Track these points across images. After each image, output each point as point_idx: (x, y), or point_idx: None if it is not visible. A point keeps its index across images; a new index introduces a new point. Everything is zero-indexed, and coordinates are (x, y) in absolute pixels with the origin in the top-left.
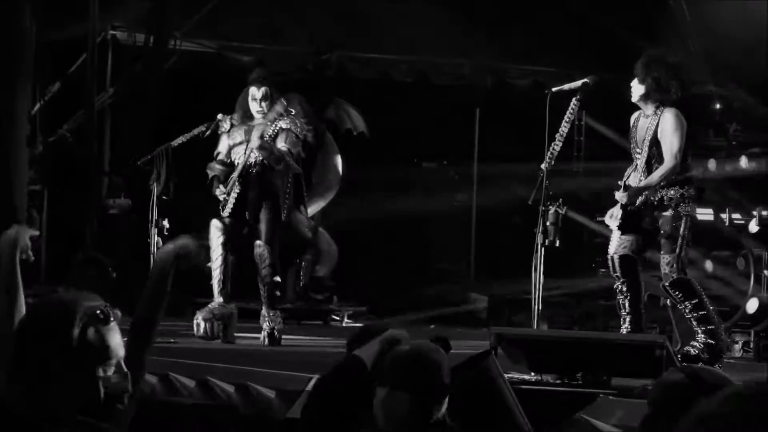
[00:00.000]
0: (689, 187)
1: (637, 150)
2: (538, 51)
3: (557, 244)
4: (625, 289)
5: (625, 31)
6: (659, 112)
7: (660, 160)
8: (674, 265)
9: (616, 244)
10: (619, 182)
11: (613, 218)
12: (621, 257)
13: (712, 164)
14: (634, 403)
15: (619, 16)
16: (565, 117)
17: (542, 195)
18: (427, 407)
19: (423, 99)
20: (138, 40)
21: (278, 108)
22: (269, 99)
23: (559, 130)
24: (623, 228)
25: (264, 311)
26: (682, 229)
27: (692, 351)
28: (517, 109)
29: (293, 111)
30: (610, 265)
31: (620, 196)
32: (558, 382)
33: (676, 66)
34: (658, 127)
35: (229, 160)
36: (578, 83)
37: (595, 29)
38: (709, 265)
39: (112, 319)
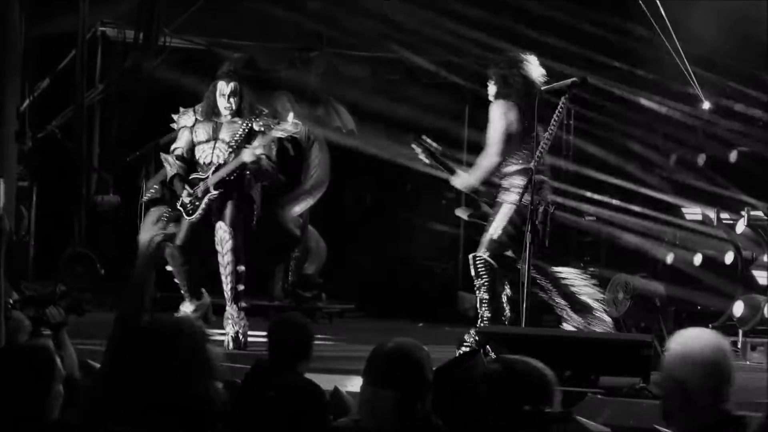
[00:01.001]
0: (517, 177)
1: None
2: (527, 49)
3: (546, 244)
4: (477, 289)
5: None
6: (493, 97)
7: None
8: (485, 245)
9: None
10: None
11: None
12: (474, 258)
13: (701, 159)
14: (621, 401)
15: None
16: (554, 116)
17: (531, 194)
18: (412, 404)
19: (411, 96)
20: (128, 36)
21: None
22: (238, 95)
23: (548, 129)
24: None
25: (228, 311)
26: (503, 214)
27: (468, 339)
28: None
29: (265, 110)
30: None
31: (455, 181)
32: None
33: (520, 63)
34: (490, 117)
35: (188, 157)
36: (567, 82)
37: (584, 26)
38: (698, 259)
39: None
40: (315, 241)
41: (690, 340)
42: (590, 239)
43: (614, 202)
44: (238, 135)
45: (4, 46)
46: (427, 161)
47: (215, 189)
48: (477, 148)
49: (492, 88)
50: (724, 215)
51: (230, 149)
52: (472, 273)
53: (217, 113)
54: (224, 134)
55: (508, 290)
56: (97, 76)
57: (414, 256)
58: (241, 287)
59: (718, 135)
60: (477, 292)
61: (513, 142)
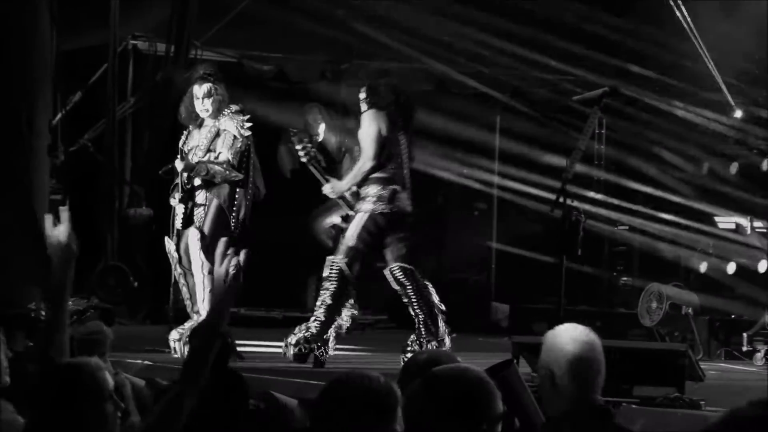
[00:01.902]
0: (385, 185)
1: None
2: (558, 59)
3: (579, 253)
4: (324, 290)
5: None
6: (364, 106)
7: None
8: (342, 252)
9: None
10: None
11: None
12: (331, 263)
13: (733, 168)
14: (656, 411)
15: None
16: (586, 125)
17: (563, 204)
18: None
19: (441, 107)
20: (159, 49)
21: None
22: (212, 97)
23: (580, 138)
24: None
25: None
26: (357, 222)
27: (299, 333)
28: (537, 117)
29: (232, 108)
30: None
31: (326, 188)
32: None
33: (385, 73)
34: (361, 126)
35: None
36: (599, 91)
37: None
38: (731, 268)
39: None
40: None
41: (560, 333)
42: (623, 248)
43: (647, 211)
44: (205, 139)
45: (35, 59)
46: (303, 159)
47: (179, 199)
48: (508, 156)
49: (362, 99)
50: (758, 224)
51: (202, 154)
52: (325, 274)
53: (196, 117)
54: (199, 140)
55: (352, 300)
56: (129, 89)
57: (446, 267)
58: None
59: (751, 143)
60: (322, 293)
61: (385, 149)
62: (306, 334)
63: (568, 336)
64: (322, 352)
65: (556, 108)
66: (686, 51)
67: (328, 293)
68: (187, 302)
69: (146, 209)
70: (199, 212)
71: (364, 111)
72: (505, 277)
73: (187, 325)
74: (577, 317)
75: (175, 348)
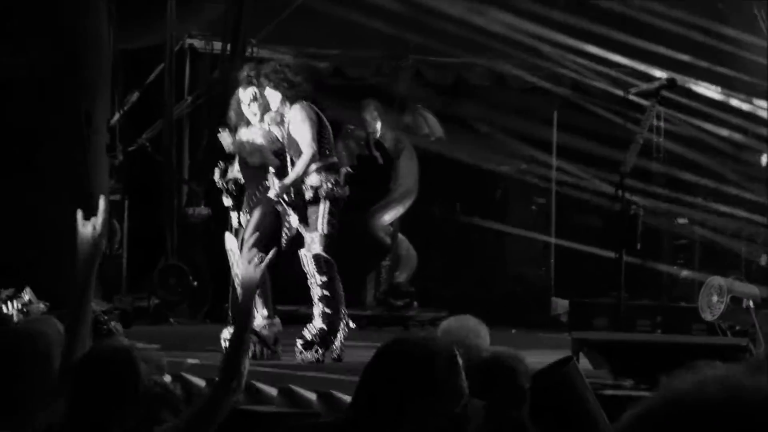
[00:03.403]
0: (329, 172)
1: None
2: (615, 51)
3: (638, 247)
4: (319, 286)
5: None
6: (284, 105)
7: (300, 153)
8: (318, 242)
9: (306, 240)
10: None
11: (291, 218)
12: (315, 255)
13: (764, 159)
14: None
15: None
16: (644, 118)
17: (622, 198)
18: (505, 413)
19: (499, 102)
20: (215, 47)
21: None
22: (258, 101)
23: (638, 131)
24: (304, 222)
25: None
26: (321, 210)
27: (308, 335)
28: (596, 110)
29: (274, 113)
30: (302, 262)
31: (271, 193)
32: (641, 386)
33: (294, 66)
34: (290, 124)
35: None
36: (656, 84)
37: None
38: (764, 259)
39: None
40: (405, 249)
41: (450, 323)
42: (684, 241)
43: (707, 203)
44: (259, 141)
45: (93, 59)
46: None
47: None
48: (566, 151)
49: (275, 95)
50: None
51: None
52: (311, 270)
53: (246, 120)
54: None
55: None
56: (186, 88)
57: (506, 262)
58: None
59: None
60: (318, 289)
61: (318, 140)
62: (316, 333)
63: (458, 324)
64: (336, 346)
65: (615, 101)
66: (746, 41)
67: (323, 287)
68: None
69: (205, 208)
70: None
71: (293, 105)
72: (565, 272)
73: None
74: (638, 312)
75: (226, 347)
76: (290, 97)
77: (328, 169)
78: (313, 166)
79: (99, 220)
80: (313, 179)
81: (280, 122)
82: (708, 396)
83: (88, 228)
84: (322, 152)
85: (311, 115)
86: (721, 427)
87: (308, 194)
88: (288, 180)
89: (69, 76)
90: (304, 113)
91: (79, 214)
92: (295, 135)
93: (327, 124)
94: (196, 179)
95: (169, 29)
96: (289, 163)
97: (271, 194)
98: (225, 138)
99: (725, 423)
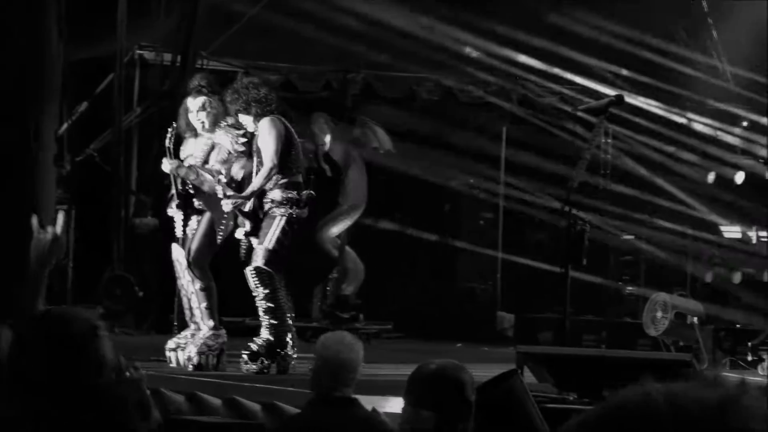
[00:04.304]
0: (290, 190)
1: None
2: (565, 68)
3: (584, 262)
4: (263, 299)
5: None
6: (256, 122)
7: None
8: (261, 256)
9: (253, 254)
10: (224, 191)
11: (238, 229)
12: (255, 269)
13: (739, 177)
14: None
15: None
16: (592, 135)
17: (568, 213)
18: (452, 425)
19: (449, 117)
20: (165, 59)
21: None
22: (206, 110)
23: (586, 147)
24: (255, 235)
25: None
26: (275, 226)
27: (254, 347)
28: (544, 126)
29: (228, 121)
30: (246, 277)
31: (224, 204)
32: (585, 400)
33: (262, 84)
34: (258, 136)
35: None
36: (605, 101)
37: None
38: (737, 277)
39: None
40: (353, 261)
41: (327, 338)
42: (629, 258)
43: (653, 220)
44: (201, 151)
45: (42, 70)
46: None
47: (176, 206)
48: (515, 166)
49: (247, 117)
50: (763, 233)
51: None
52: (253, 284)
53: (194, 128)
54: (194, 149)
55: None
56: (135, 99)
57: (453, 276)
58: (204, 304)
59: (757, 153)
60: (262, 302)
61: (283, 155)
62: (262, 344)
63: (333, 340)
64: (284, 357)
65: (563, 117)
66: (694, 60)
67: (266, 299)
68: (186, 312)
69: (152, 219)
70: (192, 223)
71: (262, 120)
72: (511, 287)
73: (184, 334)
74: (584, 327)
75: (170, 357)
76: (261, 115)
77: (287, 186)
78: (274, 180)
79: (58, 229)
80: (274, 194)
81: (240, 130)
82: (653, 405)
83: (46, 235)
84: (287, 168)
85: (280, 130)
86: None
87: (266, 206)
88: (246, 192)
89: (16, 87)
90: (273, 126)
91: (35, 219)
92: (260, 147)
93: (296, 141)
94: (144, 190)
95: (119, 40)
96: (254, 173)
97: (226, 206)
98: (165, 163)
99: None
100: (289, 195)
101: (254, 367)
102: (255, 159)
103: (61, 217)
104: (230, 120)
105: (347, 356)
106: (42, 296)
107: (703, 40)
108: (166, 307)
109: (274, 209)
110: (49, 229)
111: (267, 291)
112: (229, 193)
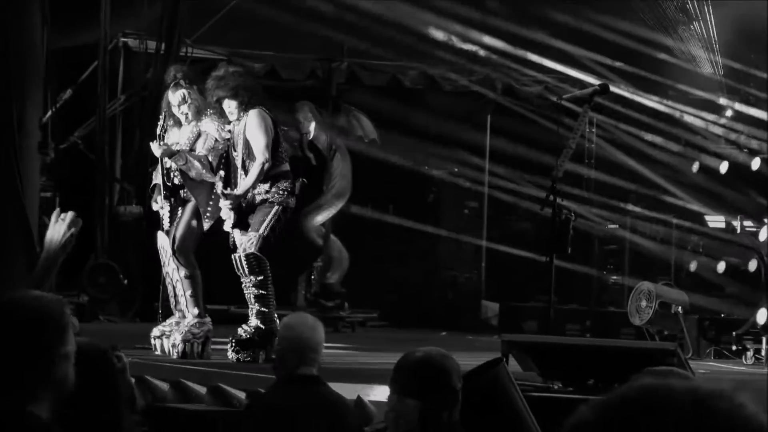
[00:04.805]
0: (283, 180)
1: (235, 154)
2: (549, 57)
3: (569, 252)
4: (253, 286)
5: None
6: (243, 115)
7: (253, 158)
8: (254, 243)
9: (239, 243)
10: (222, 191)
11: (226, 221)
12: (247, 255)
13: (723, 167)
14: None
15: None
16: (576, 124)
17: (553, 203)
18: (438, 413)
19: (433, 106)
20: (149, 47)
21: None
22: (186, 102)
23: (570, 137)
24: (240, 227)
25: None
26: (270, 215)
27: (244, 335)
28: (529, 115)
29: (211, 111)
30: (235, 264)
31: (223, 204)
32: (569, 389)
33: (249, 73)
34: (246, 128)
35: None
36: (589, 90)
37: (607, 35)
38: (721, 267)
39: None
40: (337, 250)
41: (290, 318)
42: (614, 247)
43: (637, 209)
44: (187, 139)
45: (26, 57)
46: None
47: (164, 196)
48: (499, 155)
49: (232, 104)
50: (747, 223)
51: None
52: (245, 270)
53: (178, 122)
54: (180, 137)
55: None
56: (120, 86)
57: (437, 265)
58: (189, 292)
59: (741, 142)
60: (253, 289)
61: (273, 147)
62: (252, 332)
63: (296, 321)
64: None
65: (548, 106)
66: (679, 49)
67: (256, 286)
68: (171, 299)
69: (136, 206)
70: (178, 213)
71: (250, 111)
72: (496, 276)
73: (169, 321)
74: (568, 316)
75: (155, 345)
76: (247, 103)
77: (280, 176)
78: (265, 170)
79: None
80: (265, 185)
81: (223, 118)
82: (676, 396)
83: (62, 226)
84: (276, 159)
85: (268, 123)
86: (686, 428)
87: (258, 198)
88: (240, 190)
89: (0, 77)
90: (261, 120)
91: (56, 213)
92: (249, 139)
93: (280, 131)
94: (128, 178)
95: (103, 27)
96: (240, 164)
97: (224, 207)
98: (155, 148)
99: (690, 425)
100: (285, 184)
101: (244, 355)
102: (240, 148)
103: (69, 216)
104: (214, 108)
105: (310, 335)
106: (50, 283)
107: (688, 29)
108: (150, 295)
109: (271, 198)
110: (61, 227)
111: (259, 278)
112: (227, 192)
